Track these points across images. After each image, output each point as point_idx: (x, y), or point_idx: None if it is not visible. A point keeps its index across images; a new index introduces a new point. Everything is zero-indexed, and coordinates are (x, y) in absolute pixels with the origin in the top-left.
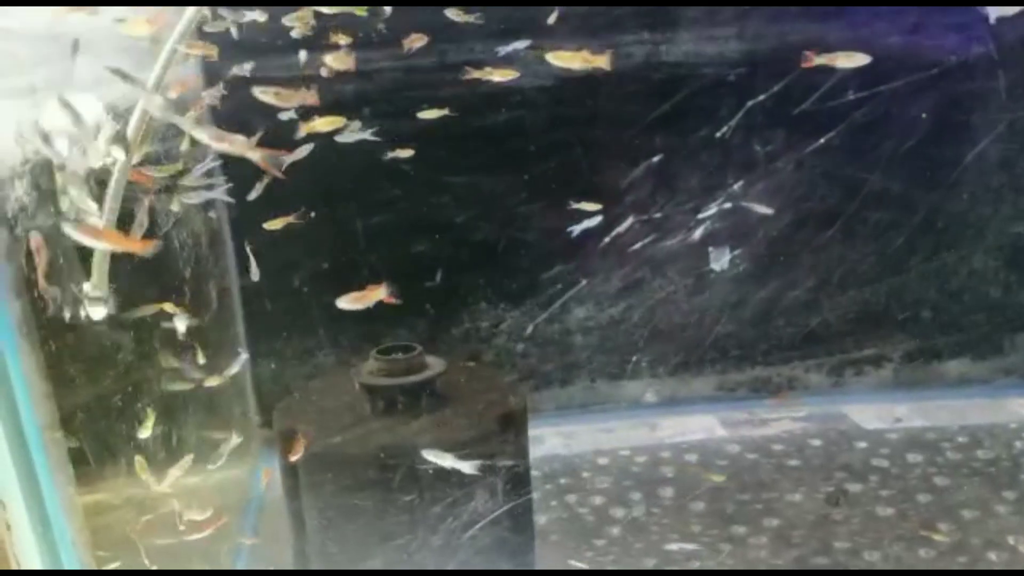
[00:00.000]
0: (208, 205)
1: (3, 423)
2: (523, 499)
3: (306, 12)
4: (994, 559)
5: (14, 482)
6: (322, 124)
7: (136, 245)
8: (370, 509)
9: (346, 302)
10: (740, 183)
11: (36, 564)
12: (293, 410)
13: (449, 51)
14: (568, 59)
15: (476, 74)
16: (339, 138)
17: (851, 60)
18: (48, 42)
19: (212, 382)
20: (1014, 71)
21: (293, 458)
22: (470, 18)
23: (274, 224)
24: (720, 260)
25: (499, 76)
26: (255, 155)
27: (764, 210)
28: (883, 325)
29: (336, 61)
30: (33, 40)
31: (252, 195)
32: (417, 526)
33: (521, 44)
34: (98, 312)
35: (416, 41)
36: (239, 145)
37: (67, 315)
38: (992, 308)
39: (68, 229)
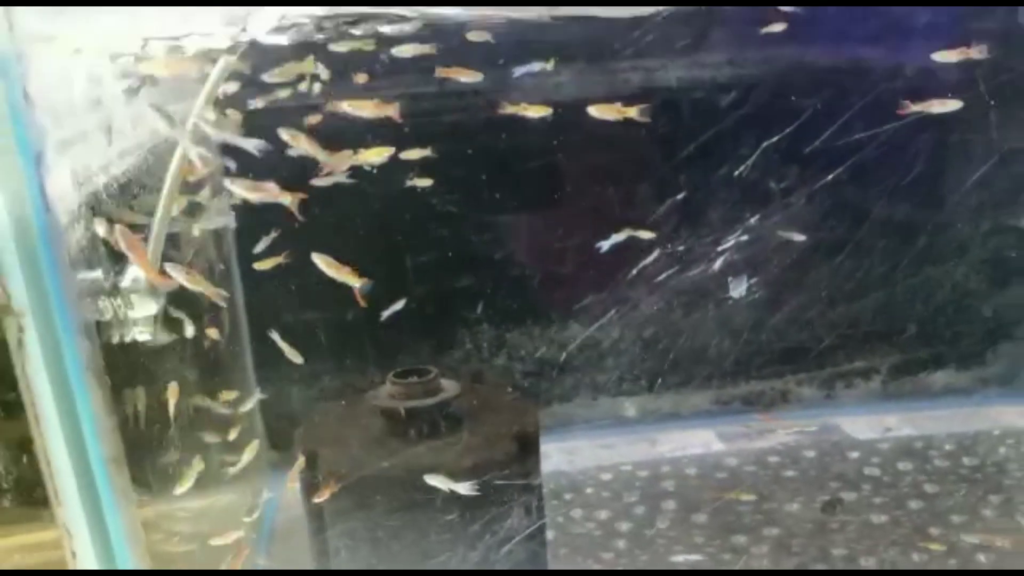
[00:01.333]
0: (219, 233)
1: (71, 457)
2: (540, 517)
3: (289, 66)
4: (983, 560)
5: (80, 514)
6: (371, 155)
7: (156, 276)
8: (403, 530)
9: (322, 262)
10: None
11: None
12: (316, 433)
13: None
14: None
15: (511, 109)
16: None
17: (944, 106)
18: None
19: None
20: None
21: (319, 499)
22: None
23: (264, 264)
24: (738, 288)
25: (534, 112)
26: (287, 199)
27: (797, 236)
28: (871, 339)
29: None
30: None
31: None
32: (457, 543)
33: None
34: (144, 333)
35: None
36: (272, 192)
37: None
38: (974, 321)
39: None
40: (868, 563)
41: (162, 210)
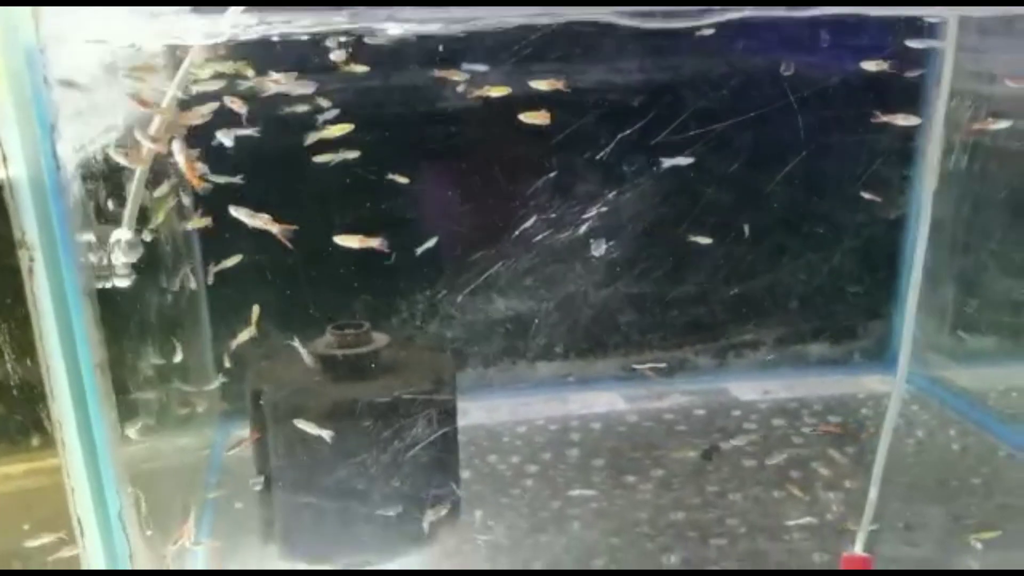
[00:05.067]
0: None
1: (65, 361)
2: (451, 429)
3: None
4: (831, 497)
5: (69, 408)
6: (336, 130)
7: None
8: (324, 442)
9: (345, 240)
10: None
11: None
12: (262, 375)
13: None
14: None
15: (478, 92)
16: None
17: (908, 120)
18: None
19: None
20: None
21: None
22: None
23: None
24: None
25: (496, 92)
26: (275, 228)
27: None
28: (759, 314)
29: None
30: None
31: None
32: (369, 448)
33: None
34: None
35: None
36: (264, 221)
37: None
38: (848, 300)
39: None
40: (735, 498)
41: (137, 179)
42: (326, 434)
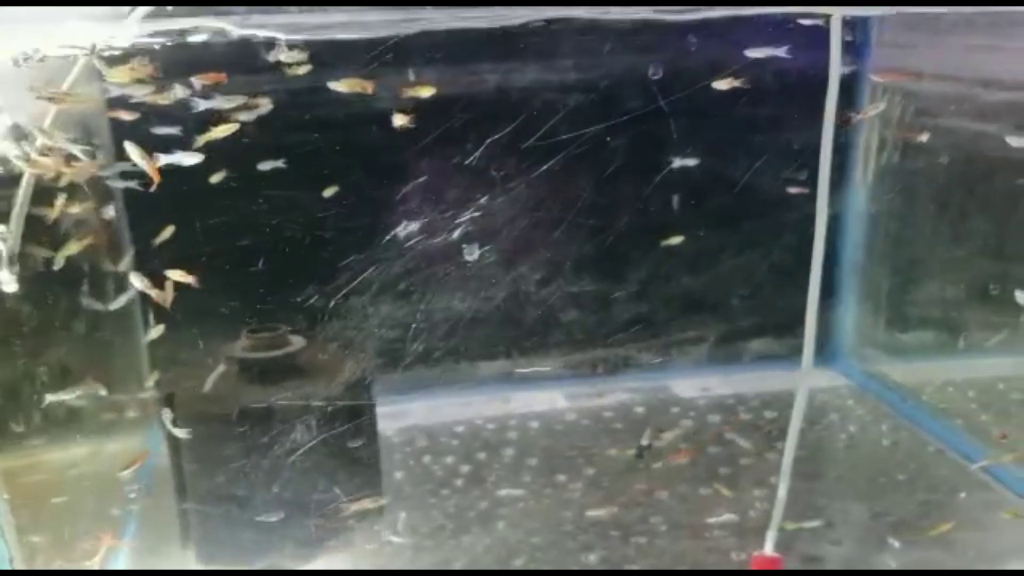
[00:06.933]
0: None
1: None
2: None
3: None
4: (757, 494)
5: None
6: (219, 132)
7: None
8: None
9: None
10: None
11: None
12: (177, 378)
13: None
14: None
15: (411, 92)
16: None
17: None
18: None
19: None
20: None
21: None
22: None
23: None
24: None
25: (424, 92)
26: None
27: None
28: (701, 312)
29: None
30: None
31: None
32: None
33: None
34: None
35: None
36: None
37: None
38: (788, 297)
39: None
40: (662, 495)
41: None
42: (182, 432)
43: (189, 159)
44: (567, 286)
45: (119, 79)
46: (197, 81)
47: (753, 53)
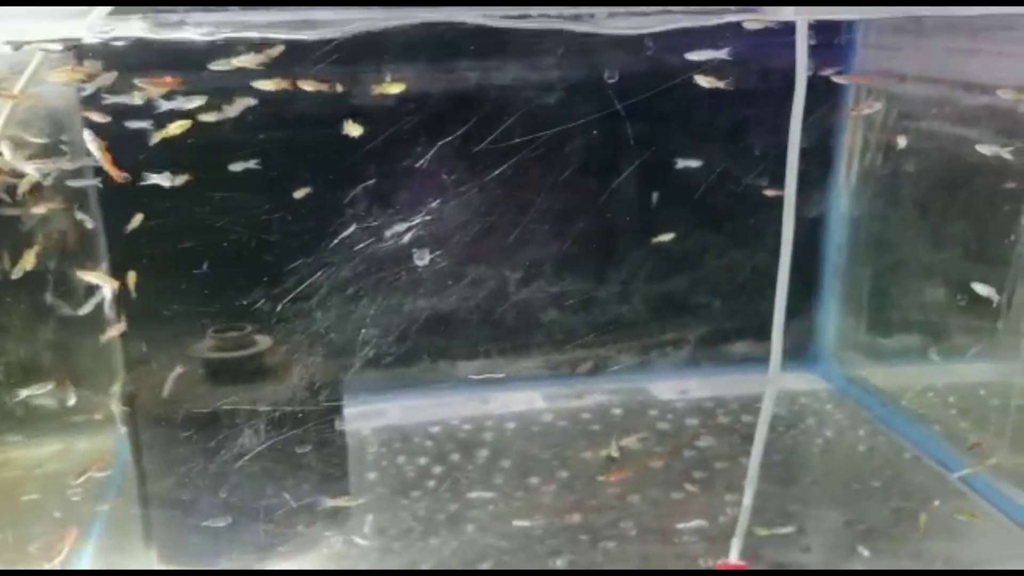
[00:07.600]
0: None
1: None
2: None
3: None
4: (728, 499)
5: None
6: (174, 128)
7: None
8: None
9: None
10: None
11: None
12: (139, 379)
13: None
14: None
15: (380, 88)
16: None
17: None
18: None
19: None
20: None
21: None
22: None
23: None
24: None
25: (394, 89)
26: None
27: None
28: (683, 313)
29: None
30: None
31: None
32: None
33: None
34: None
35: None
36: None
37: None
38: (771, 299)
39: None
40: (634, 499)
41: None
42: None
43: (166, 181)
44: (548, 287)
45: (61, 79)
46: (146, 83)
47: (694, 56)
